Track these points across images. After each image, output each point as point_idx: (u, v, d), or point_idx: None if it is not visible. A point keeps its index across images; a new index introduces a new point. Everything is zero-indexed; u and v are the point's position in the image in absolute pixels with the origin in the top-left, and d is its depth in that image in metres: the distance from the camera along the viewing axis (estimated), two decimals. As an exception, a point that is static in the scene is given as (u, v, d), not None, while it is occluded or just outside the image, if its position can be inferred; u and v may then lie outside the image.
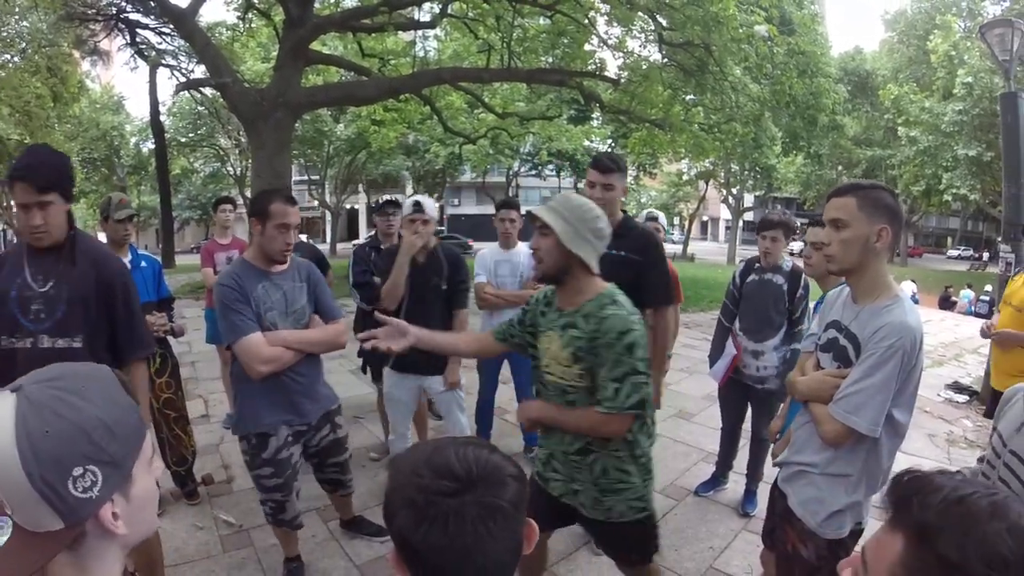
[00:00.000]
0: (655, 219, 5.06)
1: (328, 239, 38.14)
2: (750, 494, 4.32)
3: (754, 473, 4.34)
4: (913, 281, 21.35)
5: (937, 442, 5.53)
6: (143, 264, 4.10)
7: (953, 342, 11.27)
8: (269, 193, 3.06)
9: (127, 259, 3.86)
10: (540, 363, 2.47)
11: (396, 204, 4.91)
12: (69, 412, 0.88)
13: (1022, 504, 0.88)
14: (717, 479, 4.59)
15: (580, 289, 2.35)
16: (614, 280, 3.47)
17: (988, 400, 4.35)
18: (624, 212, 3.60)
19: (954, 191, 27.57)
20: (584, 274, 2.34)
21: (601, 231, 2.31)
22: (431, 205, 3.97)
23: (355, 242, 40.28)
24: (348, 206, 41.14)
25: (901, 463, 4.22)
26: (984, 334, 4.55)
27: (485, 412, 4.91)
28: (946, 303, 22.09)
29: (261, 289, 2.98)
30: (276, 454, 3.07)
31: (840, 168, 36.40)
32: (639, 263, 3.40)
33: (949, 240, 55.24)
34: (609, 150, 31.39)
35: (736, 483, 4.53)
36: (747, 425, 4.42)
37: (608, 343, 2.20)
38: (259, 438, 3.04)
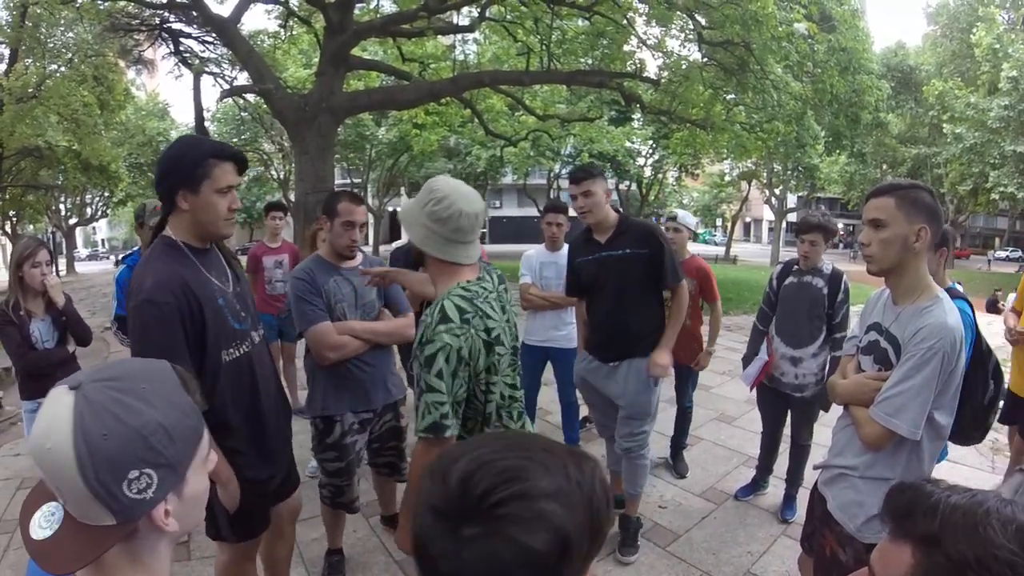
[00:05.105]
0: (674, 218, 4.74)
1: (371, 241, 38.49)
2: (789, 499, 4.27)
3: (794, 478, 4.28)
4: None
5: (981, 450, 5.37)
6: None
7: (1000, 347, 10.96)
8: (338, 193, 3.24)
9: None
10: None
11: None
12: (128, 416, 0.88)
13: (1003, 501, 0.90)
14: (757, 483, 4.55)
15: (434, 282, 2.19)
16: (626, 278, 3.51)
17: (1007, 404, 4.11)
18: (619, 211, 3.64)
19: (1002, 189, 27.00)
20: (435, 263, 2.12)
21: (435, 213, 2.03)
22: None
23: (396, 243, 40.64)
24: (390, 208, 41.42)
25: (943, 470, 4.09)
26: (1013, 338, 4.22)
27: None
28: (993, 307, 21.47)
29: (333, 283, 3.14)
30: (341, 439, 3.19)
31: (884, 167, 35.66)
32: (645, 255, 3.46)
33: (997, 241, 53.66)
34: (651, 150, 31.27)
35: (776, 488, 4.49)
36: (787, 430, 4.37)
37: (416, 354, 1.98)
38: (325, 422, 3.17)
